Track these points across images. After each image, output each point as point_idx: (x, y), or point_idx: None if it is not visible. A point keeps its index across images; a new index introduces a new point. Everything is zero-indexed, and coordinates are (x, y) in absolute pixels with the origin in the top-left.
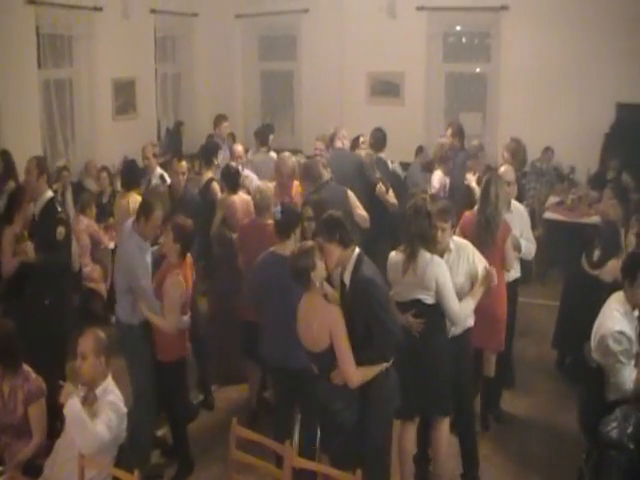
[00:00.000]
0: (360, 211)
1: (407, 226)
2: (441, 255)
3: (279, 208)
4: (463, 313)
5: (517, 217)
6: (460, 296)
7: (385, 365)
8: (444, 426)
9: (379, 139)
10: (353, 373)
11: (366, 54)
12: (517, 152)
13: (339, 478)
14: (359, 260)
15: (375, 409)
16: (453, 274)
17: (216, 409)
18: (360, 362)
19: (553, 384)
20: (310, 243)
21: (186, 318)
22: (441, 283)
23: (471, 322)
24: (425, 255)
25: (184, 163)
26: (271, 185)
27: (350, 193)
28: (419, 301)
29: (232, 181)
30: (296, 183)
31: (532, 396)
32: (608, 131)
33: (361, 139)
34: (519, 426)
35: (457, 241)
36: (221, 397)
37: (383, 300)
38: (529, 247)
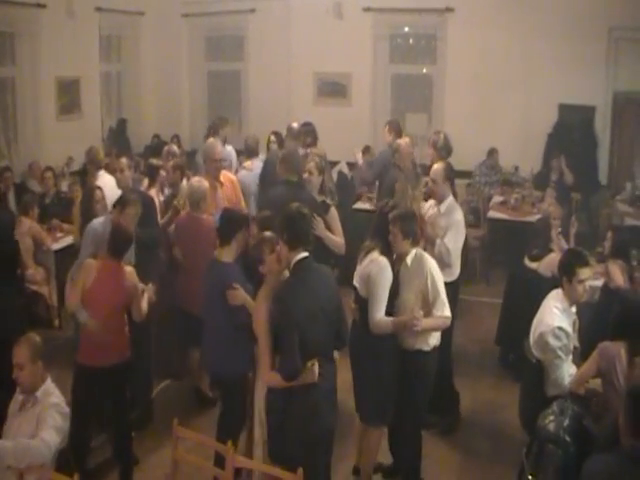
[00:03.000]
0: (333, 236)
1: (373, 222)
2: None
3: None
4: (377, 326)
5: (444, 218)
6: (406, 311)
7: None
8: (374, 435)
9: (315, 134)
10: (264, 371)
11: (313, 55)
12: (436, 142)
13: (280, 476)
14: (295, 267)
15: (290, 425)
16: (403, 288)
17: (161, 407)
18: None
19: (496, 380)
20: (267, 235)
21: (84, 313)
22: (372, 282)
23: (425, 347)
24: (374, 253)
25: (123, 160)
26: (205, 181)
27: (333, 211)
28: (356, 289)
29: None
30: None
31: (476, 392)
32: (551, 131)
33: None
34: (462, 422)
35: (419, 256)
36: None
37: (284, 323)
38: (439, 247)
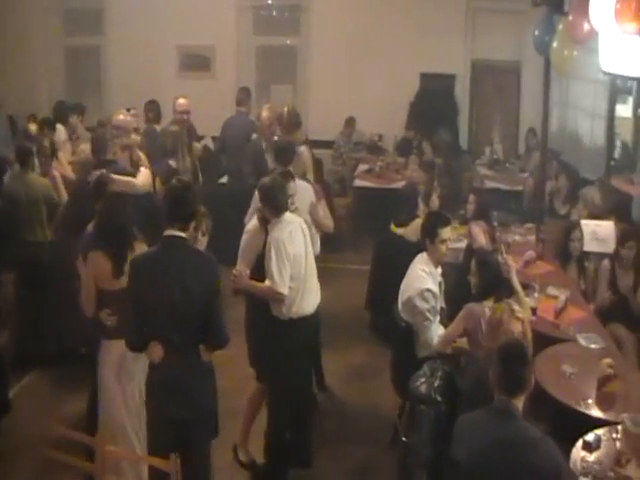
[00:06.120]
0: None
1: None
2: None
3: None
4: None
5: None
6: None
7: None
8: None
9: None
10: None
11: (175, 27)
12: (281, 117)
13: (156, 464)
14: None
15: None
16: None
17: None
18: None
19: (368, 346)
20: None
21: None
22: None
23: (280, 316)
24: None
25: None
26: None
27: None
28: None
29: None
30: None
31: (347, 358)
32: (413, 100)
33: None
34: (335, 388)
35: (272, 224)
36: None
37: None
38: None
